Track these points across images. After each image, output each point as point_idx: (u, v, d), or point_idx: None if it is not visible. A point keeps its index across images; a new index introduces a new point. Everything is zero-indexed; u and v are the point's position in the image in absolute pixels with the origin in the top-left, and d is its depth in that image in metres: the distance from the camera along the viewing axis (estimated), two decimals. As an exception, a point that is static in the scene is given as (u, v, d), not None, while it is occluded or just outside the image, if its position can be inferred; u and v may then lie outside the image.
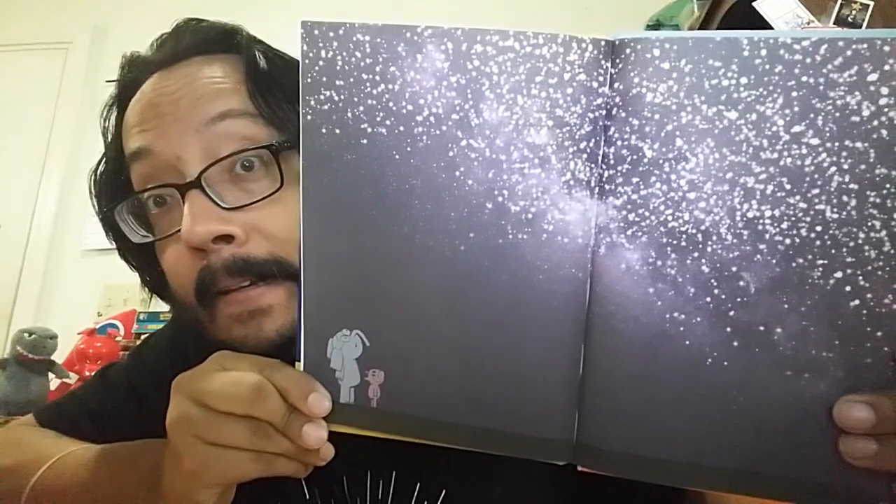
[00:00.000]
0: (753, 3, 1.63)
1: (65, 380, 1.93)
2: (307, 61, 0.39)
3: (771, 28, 1.55)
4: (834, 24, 1.55)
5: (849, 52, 0.31)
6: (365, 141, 0.39)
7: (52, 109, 2.66)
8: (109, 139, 0.62)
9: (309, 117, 0.40)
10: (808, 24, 1.57)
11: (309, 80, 0.40)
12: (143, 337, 1.95)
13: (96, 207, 0.61)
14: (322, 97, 0.39)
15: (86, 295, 2.41)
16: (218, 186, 0.52)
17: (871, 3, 1.54)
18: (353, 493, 0.57)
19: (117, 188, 0.59)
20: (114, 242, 0.61)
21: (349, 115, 0.39)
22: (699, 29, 1.87)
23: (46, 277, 2.47)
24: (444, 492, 0.55)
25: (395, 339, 0.41)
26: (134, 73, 0.59)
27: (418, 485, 0.55)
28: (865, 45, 0.30)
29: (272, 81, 0.55)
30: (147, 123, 0.54)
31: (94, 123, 2.08)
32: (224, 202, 0.51)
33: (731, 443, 0.36)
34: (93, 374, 0.76)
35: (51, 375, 1.92)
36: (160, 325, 1.98)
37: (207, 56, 0.57)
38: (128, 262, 0.63)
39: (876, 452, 0.33)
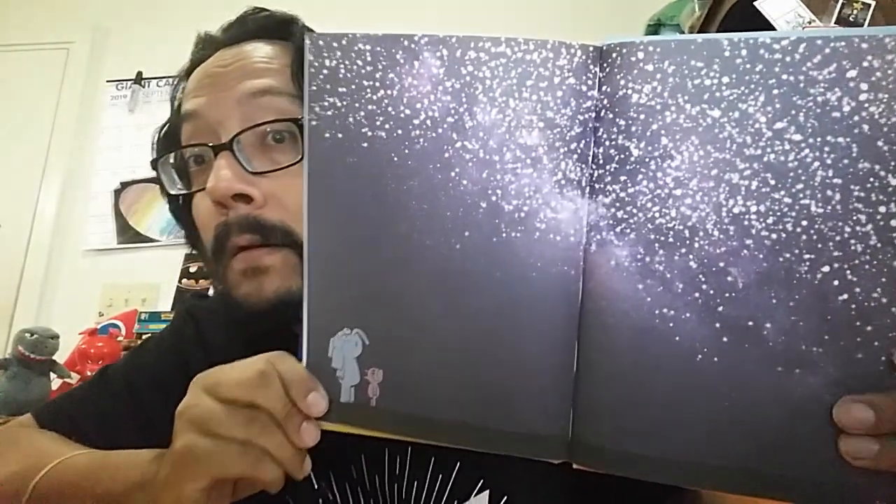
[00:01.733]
0: (755, 3, 1.63)
1: (66, 380, 1.93)
2: (312, 70, 0.41)
3: (772, 28, 1.55)
4: (835, 23, 1.55)
5: (827, 50, 0.31)
6: (365, 144, 0.41)
7: (53, 109, 2.66)
8: (175, 106, 0.69)
9: (313, 123, 0.42)
10: (810, 23, 1.57)
11: (314, 87, 0.42)
12: (144, 337, 1.96)
13: (150, 162, 0.68)
14: (326, 104, 0.41)
15: (87, 295, 2.41)
16: (248, 152, 0.58)
17: (873, 3, 1.54)
18: (371, 471, 0.60)
19: (169, 144, 0.67)
20: (167, 202, 0.69)
21: (351, 120, 0.41)
22: (700, 29, 1.87)
23: (47, 277, 2.46)
24: (458, 464, 0.57)
25: (393, 337, 0.42)
26: (204, 50, 0.67)
27: (433, 458, 0.57)
28: (843, 43, 0.31)
29: None
30: (200, 90, 0.62)
31: (94, 123, 2.08)
32: (250, 166, 0.57)
33: (724, 440, 0.36)
34: (92, 374, 0.77)
35: (52, 375, 1.92)
36: (162, 325, 2.00)
37: (265, 40, 0.64)
38: (176, 220, 0.70)
39: (877, 453, 0.33)
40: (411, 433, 0.43)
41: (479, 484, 0.58)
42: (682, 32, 2.05)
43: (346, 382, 0.44)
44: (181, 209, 0.67)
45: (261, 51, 0.62)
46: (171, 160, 0.65)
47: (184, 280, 2.31)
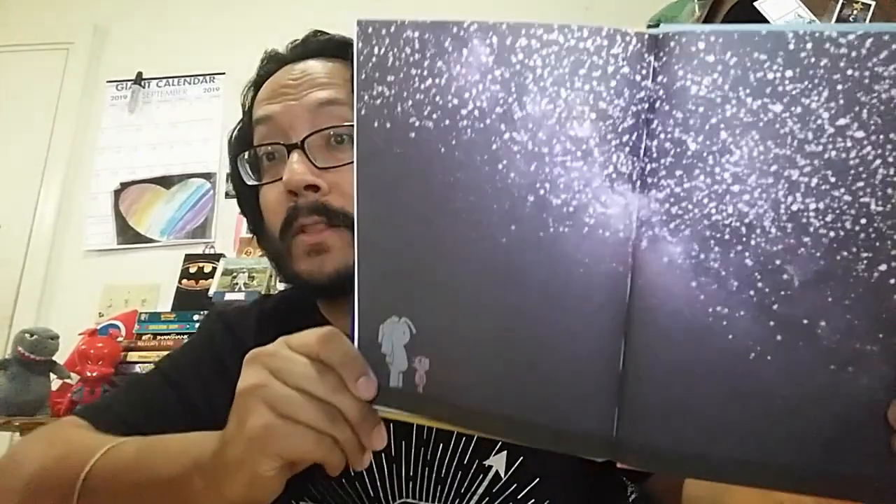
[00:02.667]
0: (755, 3, 1.63)
1: (66, 380, 1.94)
2: (361, 58, 0.41)
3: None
4: (835, 24, 1.55)
5: (894, 46, 0.30)
6: (413, 134, 0.40)
7: (54, 109, 2.68)
8: (246, 110, 0.82)
9: (363, 112, 0.42)
10: (810, 23, 1.58)
11: (363, 76, 0.41)
12: (144, 337, 1.97)
13: (230, 159, 0.82)
14: (375, 92, 0.41)
15: (87, 295, 2.42)
16: (315, 150, 0.70)
17: (873, 3, 1.54)
18: (398, 436, 0.67)
19: (243, 143, 0.79)
20: (235, 193, 0.84)
21: (399, 109, 0.40)
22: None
23: (48, 278, 2.48)
24: None
25: (439, 327, 0.42)
26: (271, 64, 0.80)
27: None
28: None
29: None
30: (273, 99, 0.74)
31: (94, 123, 2.11)
32: (317, 162, 0.70)
33: (775, 438, 0.35)
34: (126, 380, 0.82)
35: (52, 376, 1.93)
36: (161, 326, 2.00)
37: (326, 58, 0.77)
38: (242, 210, 0.84)
39: None
40: (456, 423, 0.43)
41: (499, 444, 0.67)
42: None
43: (395, 368, 0.44)
44: (248, 198, 0.79)
45: (324, 67, 0.75)
46: (246, 156, 0.76)
47: (184, 280, 2.30)
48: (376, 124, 0.41)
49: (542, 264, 0.38)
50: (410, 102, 0.39)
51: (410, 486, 0.67)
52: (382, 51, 0.40)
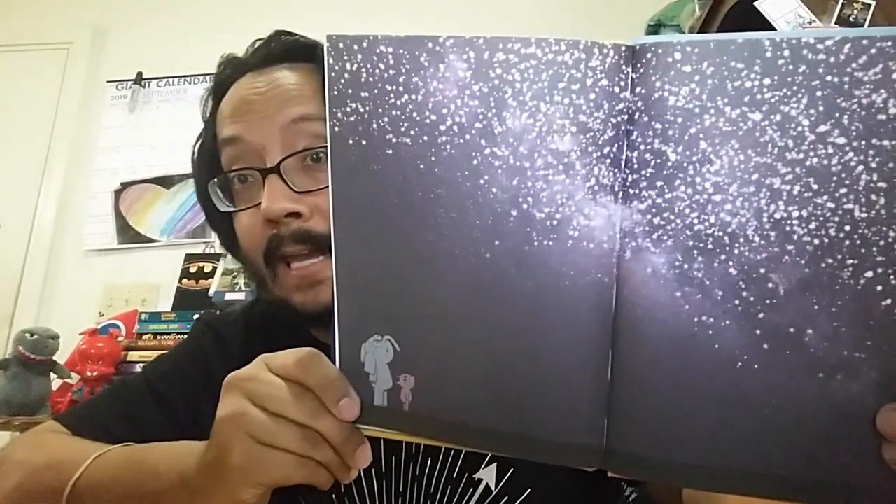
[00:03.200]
0: (755, 3, 1.63)
1: (66, 380, 1.93)
2: (333, 74, 0.40)
3: (772, 27, 1.55)
4: (835, 23, 1.54)
5: (873, 50, 0.30)
6: (390, 151, 0.40)
7: (54, 109, 2.68)
8: (206, 122, 0.77)
9: (336, 129, 0.41)
10: (810, 23, 1.57)
11: (335, 92, 0.41)
12: (144, 337, 1.97)
13: (196, 178, 0.76)
14: (348, 109, 0.40)
15: (87, 295, 2.42)
16: (292, 173, 0.65)
17: (873, 3, 1.54)
18: (388, 452, 0.67)
19: (211, 166, 0.73)
20: (203, 210, 0.76)
21: (374, 126, 0.40)
22: (700, 29, 1.87)
23: (48, 278, 2.48)
24: None
25: (424, 344, 0.42)
26: (229, 70, 0.73)
27: None
28: (890, 43, 0.30)
29: None
30: (239, 116, 0.69)
31: (94, 123, 2.09)
32: (296, 186, 0.64)
33: (765, 447, 0.35)
34: (110, 384, 0.80)
35: (52, 376, 1.93)
36: (162, 326, 1.99)
37: (292, 64, 0.70)
38: (211, 226, 0.78)
39: None
40: (444, 438, 0.42)
41: (488, 457, 0.65)
42: (683, 33, 2.05)
43: (379, 387, 0.44)
44: (222, 220, 0.74)
45: (291, 78, 0.69)
46: (216, 180, 0.71)
47: (184, 280, 2.30)
48: (351, 141, 0.41)
49: (527, 278, 0.37)
50: (386, 119, 0.39)
51: (400, 501, 0.67)
52: (355, 67, 0.39)
